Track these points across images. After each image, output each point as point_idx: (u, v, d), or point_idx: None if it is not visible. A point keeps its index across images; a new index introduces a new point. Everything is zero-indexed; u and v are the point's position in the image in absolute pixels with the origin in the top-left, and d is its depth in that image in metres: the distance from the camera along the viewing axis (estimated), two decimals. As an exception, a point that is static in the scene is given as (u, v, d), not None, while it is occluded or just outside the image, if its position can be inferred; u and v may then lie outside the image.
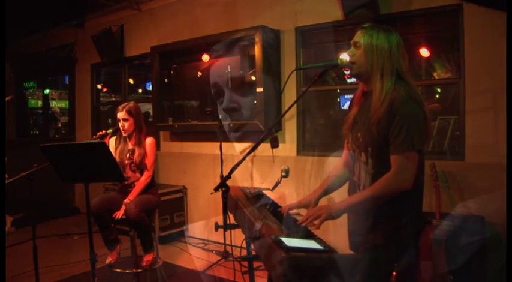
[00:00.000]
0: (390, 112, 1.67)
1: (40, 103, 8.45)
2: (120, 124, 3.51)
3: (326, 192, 1.99)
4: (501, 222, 2.89)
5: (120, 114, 3.50)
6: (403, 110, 1.66)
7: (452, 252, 2.56)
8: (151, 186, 3.60)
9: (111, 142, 3.64)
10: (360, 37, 1.78)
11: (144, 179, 3.53)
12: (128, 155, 3.55)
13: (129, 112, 3.50)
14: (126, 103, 3.58)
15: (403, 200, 1.69)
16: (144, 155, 3.52)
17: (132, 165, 3.55)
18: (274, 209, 1.98)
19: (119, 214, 3.39)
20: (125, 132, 3.52)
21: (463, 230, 2.71)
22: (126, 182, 3.55)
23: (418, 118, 1.68)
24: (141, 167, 3.55)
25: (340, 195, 1.98)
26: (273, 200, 2.10)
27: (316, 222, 1.67)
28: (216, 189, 1.81)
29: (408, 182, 1.65)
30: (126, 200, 3.42)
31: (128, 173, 3.57)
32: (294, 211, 1.94)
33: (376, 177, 1.72)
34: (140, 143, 3.55)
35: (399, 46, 1.76)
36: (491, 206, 2.95)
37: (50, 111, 8.45)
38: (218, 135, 4.26)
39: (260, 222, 1.63)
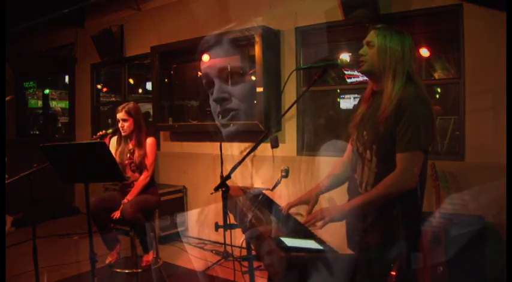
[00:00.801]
0: (398, 111, 1.68)
1: (40, 103, 8.45)
2: (119, 124, 3.52)
3: (325, 189, 2.00)
4: (491, 217, 2.95)
5: (120, 115, 3.50)
6: (412, 109, 1.67)
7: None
8: (150, 186, 3.59)
9: (113, 142, 3.64)
10: (373, 37, 1.80)
11: (142, 179, 3.52)
12: (128, 155, 3.55)
13: (128, 112, 3.50)
14: (125, 103, 3.59)
15: (402, 199, 1.69)
16: (144, 155, 3.52)
17: (132, 165, 3.55)
18: (274, 208, 1.98)
19: (117, 214, 3.39)
20: (124, 132, 3.53)
21: (453, 223, 2.73)
22: (126, 182, 3.55)
23: (426, 118, 1.69)
24: (140, 167, 3.55)
25: (339, 194, 1.98)
26: (272, 200, 2.10)
27: (320, 223, 1.68)
28: (216, 189, 1.81)
29: (413, 181, 1.65)
30: (125, 200, 3.42)
31: (128, 173, 3.57)
32: (294, 211, 1.95)
33: (379, 175, 1.73)
34: (140, 143, 3.55)
35: (411, 48, 1.79)
36: (480, 201, 2.97)
37: (50, 111, 8.45)
38: (218, 135, 4.27)
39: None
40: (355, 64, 1.85)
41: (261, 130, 4.08)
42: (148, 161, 3.54)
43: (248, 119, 4.37)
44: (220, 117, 4.27)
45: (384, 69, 1.77)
